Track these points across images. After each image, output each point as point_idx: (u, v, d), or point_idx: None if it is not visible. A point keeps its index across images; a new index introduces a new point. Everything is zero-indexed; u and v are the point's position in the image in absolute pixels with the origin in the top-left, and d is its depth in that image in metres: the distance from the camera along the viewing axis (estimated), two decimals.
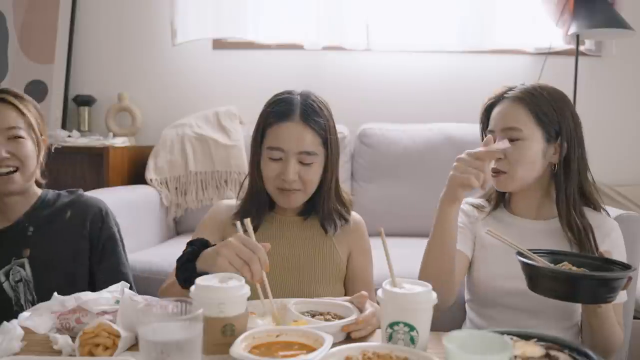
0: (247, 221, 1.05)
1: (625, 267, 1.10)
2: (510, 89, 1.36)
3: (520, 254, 1.14)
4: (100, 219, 1.44)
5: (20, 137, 1.36)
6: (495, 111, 1.36)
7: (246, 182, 1.39)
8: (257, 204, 1.35)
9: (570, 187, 1.31)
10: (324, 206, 1.35)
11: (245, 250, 0.99)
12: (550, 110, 1.30)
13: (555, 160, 1.32)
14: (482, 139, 1.39)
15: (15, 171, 1.36)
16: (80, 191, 1.50)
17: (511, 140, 1.29)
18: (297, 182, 1.29)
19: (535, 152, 1.30)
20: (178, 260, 1.10)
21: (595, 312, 1.18)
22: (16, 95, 1.41)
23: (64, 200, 1.46)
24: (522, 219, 1.37)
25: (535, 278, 1.10)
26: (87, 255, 1.42)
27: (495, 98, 1.38)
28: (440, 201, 1.22)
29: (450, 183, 1.19)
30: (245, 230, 1.04)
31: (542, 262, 1.13)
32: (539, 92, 1.32)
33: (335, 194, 1.36)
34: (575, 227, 1.27)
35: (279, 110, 1.29)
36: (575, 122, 1.32)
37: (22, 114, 1.38)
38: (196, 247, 1.09)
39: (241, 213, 1.34)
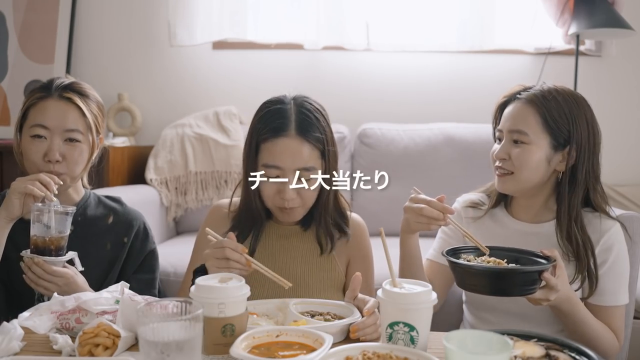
0: (208, 229, 1.11)
1: (548, 260, 1.12)
2: (526, 89, 1.32)
3: (451, 252, 1.18)
4: (145, 232, 1.48)
5: (76, 140, 1.35)
6: (507, 110, 1.33)
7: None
8: (252, 218, 1.30)
9: (574, 199, 1.27)
10: (322, 220, 1.30)
11: (217, 250, 1.04)
12: (562, 117, 1.26)
13: (562, 168, 1.29)
14: (494, 136, 1.38)
15: (62, 174, 1.35)
16: (121, 199, 1.51)
17: (515, 143, 1.28)
18: (296, 199, 1.24)
19: (538, 158, 1.27)
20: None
21: (559, 309, 1.18)
22: (81, 94, 1.38)
23: (107, 205, 1.47)
24: (519, 222, 1.36)
25: (458, 275, 1.15)
26: (121, 262, 1.43)
27: (510, 97, 1.34)
28: (400, 231, 1.28)
29: (404, 226, 1.26)
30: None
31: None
32: (553, 96, 1.27)
33: (334, 206, 1.32)
34: (575, 242, 1.26)
35: (272, 125, 1.22)
36: (592, 131, 1.27)
37: (84, 115, 1.36)
38: (203, 274, 1.08)
39: (237, 228, 1.30)
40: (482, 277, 1.09)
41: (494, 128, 1.39)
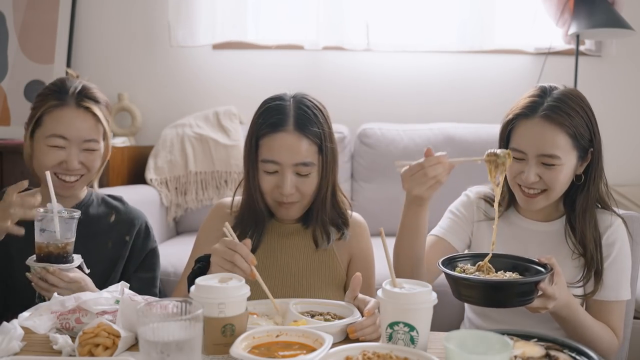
0: (227, 224, 1.08)
1: (546, 269, 1.10)
2: (538, 102, 1.25)
3: (446, 261, 1.16)
4: (147, 231, 1.48)
5: (94, 149, 1.38)
6: (526, 130, 1.25)
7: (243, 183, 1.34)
8: (255, 217, 1.30)
9: (590, 196, 1.27)
10: (318, 217, 1.30)
11: (228, 251, 1.03)
12: (586, 130, 1.24)
13: (580, 171, 1.28)
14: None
15: (79, 178, 1.37)
16: (123, 198, 1.52)
17: (545, 164, 1.24)
18: (294, 194, 1.25)
19: (569, 173, 1.26)
20: (188, 278, 1.11)
21: (558, 315, 1.17)
22: (95, 100, 1.40)
23: (109, 203, 1.49)
24: (529, 221, 1.36)
25: (453, 286, 1.12)
26: (124, 261, 1.44)
27: (522, 112, 1.26)
28: (408, 204, 1.25)
29: (411, 199, 1.24)
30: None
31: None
32: (574, 109, 1.23)
33: (332, 204, 1.31)
34: (587, 240, 1.26)
35: (271, 120, 1.23)
36: (597, 127, 1.26)
37: (100, 122, 1.40)
38: (204, 263, 1.09)
39: (240, 226, 1.30)
40: (478, 289, 1.08)
41: (501, 145, 1.33)
